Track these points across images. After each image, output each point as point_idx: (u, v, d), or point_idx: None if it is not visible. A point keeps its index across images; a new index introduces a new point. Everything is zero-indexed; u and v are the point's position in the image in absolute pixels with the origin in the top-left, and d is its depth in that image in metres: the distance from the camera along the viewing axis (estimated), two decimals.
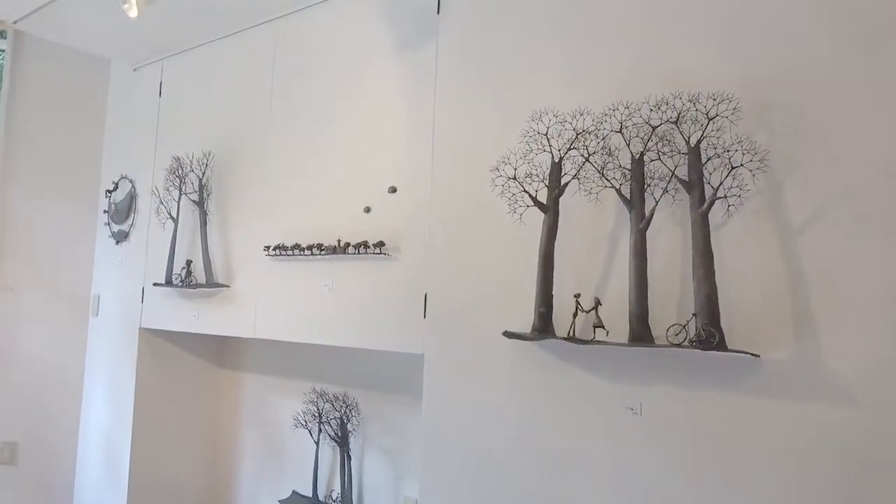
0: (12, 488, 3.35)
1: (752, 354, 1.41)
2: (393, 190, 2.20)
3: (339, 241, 2.29)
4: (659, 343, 1.53)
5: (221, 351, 3.38)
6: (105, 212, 3.37)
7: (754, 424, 1.43)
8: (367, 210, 2.26)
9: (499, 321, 1.84)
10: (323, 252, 2.32)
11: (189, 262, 2.80)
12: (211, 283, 2.69)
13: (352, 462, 2.64)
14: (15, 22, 2.85)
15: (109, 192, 3.34)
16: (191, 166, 2.83)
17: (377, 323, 2.18)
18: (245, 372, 3.27)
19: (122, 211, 3.27)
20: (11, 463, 3.36)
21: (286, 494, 2.89)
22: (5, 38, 3.50)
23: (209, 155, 2.81)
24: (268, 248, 2.50)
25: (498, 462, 1.82)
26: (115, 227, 3.31)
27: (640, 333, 1.54)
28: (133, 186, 3.24)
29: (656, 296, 1.56)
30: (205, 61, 2.96)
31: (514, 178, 1.81)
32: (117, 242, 3.29)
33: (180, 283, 2.80)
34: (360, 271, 2.25)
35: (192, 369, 3.28)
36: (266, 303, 2.54)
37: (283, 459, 3.01)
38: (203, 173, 2.79)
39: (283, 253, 2.44)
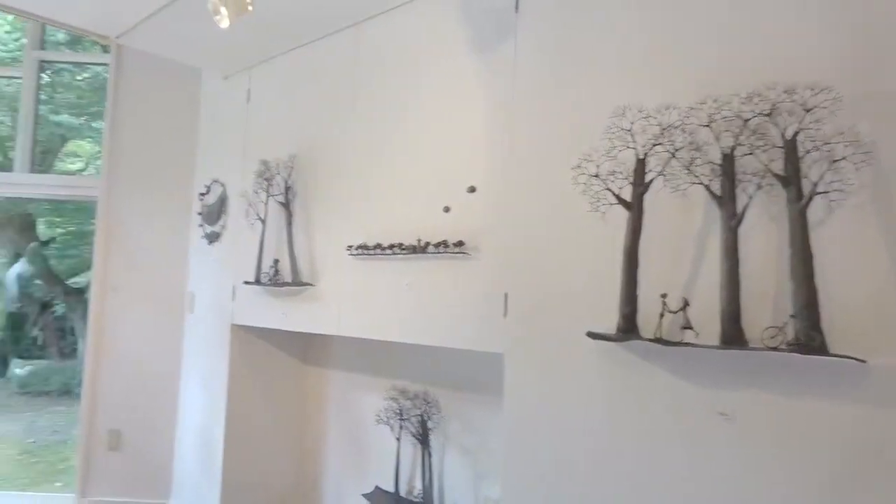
0: (117, 473, 3.60)
1: (858, 360, 1.32)
2: (472, 189, 2.21)
3: (419, 240, 2.32)
4: (753, 346, 1.46)
5: (307, 348, 3.50)
6: (198, 214, 3.56)
7: (863, 436, 1.34)
8: (447, 210, 2.28)
9: (581, 321, 1.81)
10: (403, 251, 2.36)
11: (276, 262, 2.91)
12: (297, 282, 2.79)
13: (432, 460, 2.67)
14: (117, 37, 3.05)
15: (202, 195, 3.52)
16: (277, 169, 2.94)
17: (457, 321, 2.19)
18: (330, 368, 3.37)
19: (214, 213, 3.44)
20: (116, 449, 3.60)
21: (370, 489, 2.96)
22: (108, 52, 3.76)
23: (294, 158, 2.91)
24: (350, 247, 2.57)
25: (580, 466, 1.80)
26: (208, 229, 3.48)
27: (733, 335, 1.48)
28: (224, 189, 3.40)
29: (749, 296, 1.49)
30: (289, 67, 3.07)
31: (597, 176, 1.78)
32: (210, 243, 3.47)
33: (268, 282, 2.92)
34: (440, 270, 2.27)
35: (280, 365, 3.41)
36: (349, 301, 2.61)
37: (366, 455, 3.08)
38: (288, 176, 2.90)
39: (365, 252, 2.50)
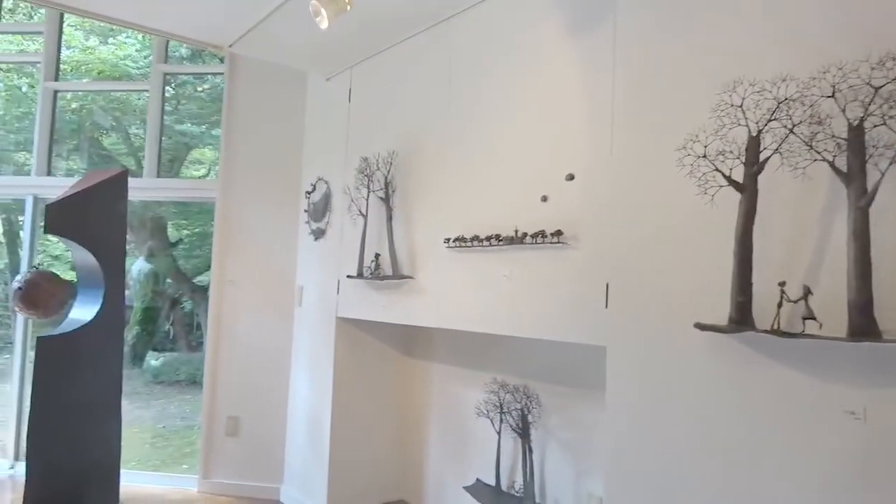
0: (235, 457, 3.82)
1: None
2: (570, 177, 2.14)
3: (516, 231, 2.28)
4: (888, 338, 1.31)
5: (409, 340, 3.55)
6: (305, 211, 3.70)
7: None
8: (545, 199, 2.22)
9: (689, 311, 1.71)
10: (501, 243, 2.33)
11: (377, 256, 2.97)
12: (397, 275, 2.83)
13: (533, 455, 2.63)
14: (230, 46, 3.23)
15: (308, 193, 3.66)
16: (377, 165, 3.00)
17: (556, 313, 2.14)
18: (431, 361, 3.40)
19: (320, 210, 3.57)
20: (235, 435, 3.83)
21: (470, 481, 2.96)
22: (223, 62, 4.00)
23: (393, 154, 2.96)
24: (448, 240, 2.57)
25: (686, 464, 1.70)
26: (314, 225, 3.62)
27: (863, 326, 1.33)
28: (328, 187, 3.52)
29: (882, 283, 1.34)
30: (387, 66, 3.13)
31: (705, 157, 1.67)
32: (316, 239, 3.60)
33: (370, 275, 2.99)
34: (538, 261, 2.22)
35: (383, 357, 3.49)
36: (447, 293, 2.62)
37: (467, 447, 3.09)
38: (388, 171, 2.95)
39: (463, 244, 2.50)
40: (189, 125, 7.40)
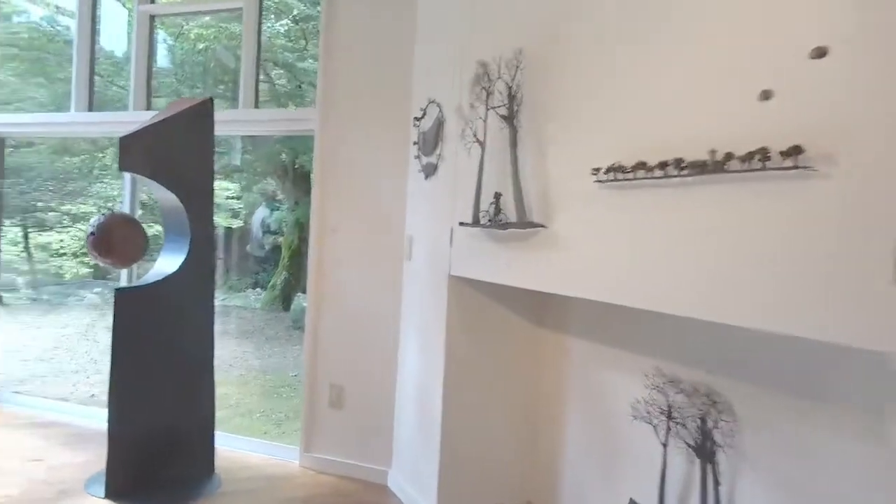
0: (341, 430, 3.32)
1: None
2: (820, 53, 1.23)
3: (712, 151, 1.41)
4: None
5: (543, 307, 2.78)
6: (415, 143, 3.00)
7: None
8: (766, 95, 1.32)
9: None
10: (684, 172, 1.47)
11: (497, 196, 2.21)
12: (523, 223, 2.05)
13: (720, 488, 1.79)
14: None
15: (418, 119, 2.95)
16: (498, 72, 2.20)
17: (788, 291, 1.26)
18: (570, 335, 2.62)
19: (430, 141, 2.85)
20: (338, 406, 3.32)
21: (621, 501, 2.19)
22: None
23: (520, 53, 2.14)
24: (597, 170, 1.75)
25: None
26: (424, 160, 2.91)
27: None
28: (440, 111, 2.78)
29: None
30: None
31: None
32: (426, 177, 2.90)
33: (488, 223, 2.24)
34: (754, 201, 1.34)
35: (508, 326, 2.76)
36: (596, 250, 1.80)
37: (617, 455, 2.30)
38: (512, 79, 2.14)
39: (621, 177, 1.66)
40: (311, 62, 6.96)
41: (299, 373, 6.83)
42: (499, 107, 2.19)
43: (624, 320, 2.27)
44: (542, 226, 2.02)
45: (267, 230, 9.09)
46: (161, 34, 6.48)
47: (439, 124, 2.78)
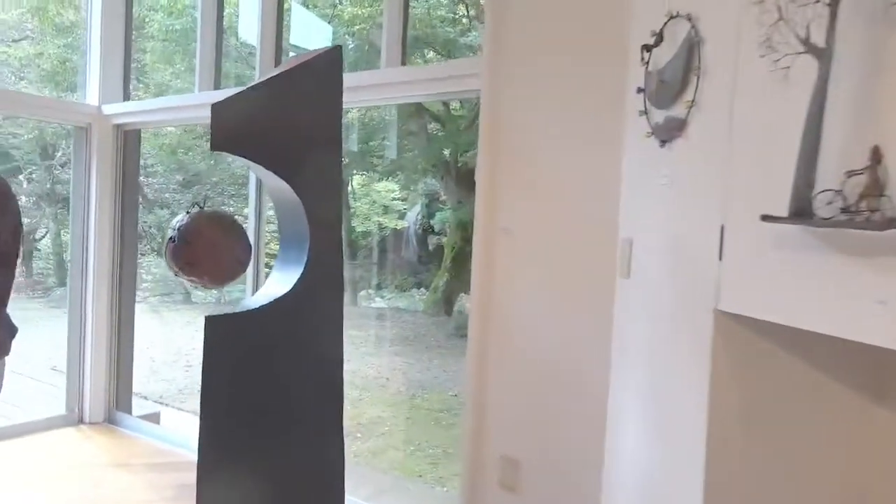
0: None
1: None
2: None
3: None
4: None
5: (884, 369, 1.53)
6: (639, 91, 1.86)
7: None
8: None
9: None
10: None
11: (876, 159, 1.01)
12: None
13: None
14: None
15: (648, 49, 1.80)
16: None
17: None
18: None
19: (673, 81, 1.70)
20: (512, 488, 2.27)
21: None
22: None
23: None
24: None
25: None
26: (659, 116, 1.77)
27: None
28: (694, 29, 1.63)
29: None
30: None
31: None
32: (662, 143, 1.75)
33: (841, 215, 1.06)
34: None
35: (821, 400, 1.54)
36: None
37: None
38: None
39: None
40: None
41: (459, 392, 5.97)
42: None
43: None
44: None
45: (426, 230, 8.60)
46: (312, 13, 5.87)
47: (690, 49, 1.62)
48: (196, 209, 2.02)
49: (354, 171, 8.22)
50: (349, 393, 6.03)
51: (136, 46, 5.95)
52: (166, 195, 8.90)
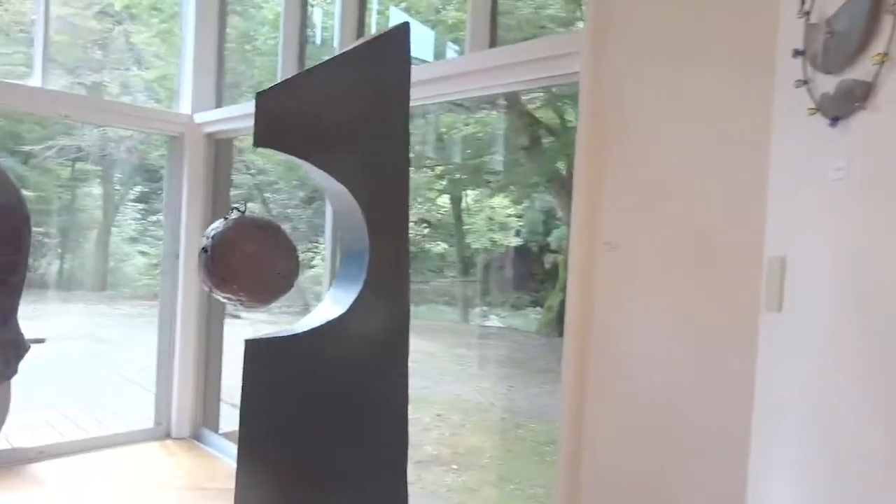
0: None
1: None
2: None
3: None
4: None
5: None
6: (796, 54, 1.35)
7: None
8: None
9: None
10: None
11: None
12: None
13: None
14: None
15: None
16: None
17: None
18: None
19: (851, 30, 1.19)
20: None
21: None
22: None
23: None
24: None
25: None
26: (828, 83, 1.26)
27: None
28: None
29: None
30: None
31: None
32: (834, 121, 1.24)
33: None
34: None
35: None
36: None
37: None
38: None
39: None
40: None
41: (531, 404, 5.52)
42: None
43: None
44: None
45: (542, 247, 8.36)
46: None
47: None
48: (235, 214, 1.74)
49: (469, 187, 7.99)
50: (450, 417, 5.66)
51: (245, 61, 5.99)
52: (289, 210, 9.06)
